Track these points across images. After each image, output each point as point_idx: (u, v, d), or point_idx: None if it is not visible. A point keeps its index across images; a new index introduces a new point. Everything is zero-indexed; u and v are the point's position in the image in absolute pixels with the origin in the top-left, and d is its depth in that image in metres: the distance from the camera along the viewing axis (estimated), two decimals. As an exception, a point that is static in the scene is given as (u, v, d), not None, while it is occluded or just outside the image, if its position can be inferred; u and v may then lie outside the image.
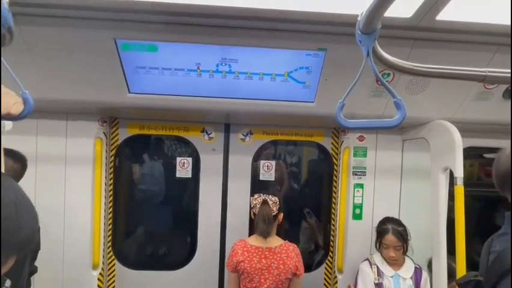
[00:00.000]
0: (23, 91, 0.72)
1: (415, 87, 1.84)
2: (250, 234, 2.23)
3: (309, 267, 2.41)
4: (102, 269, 2.26)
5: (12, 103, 0.69)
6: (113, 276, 2.38)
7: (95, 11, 1.44)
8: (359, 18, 0.74)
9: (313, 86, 1.82)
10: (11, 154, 1.63)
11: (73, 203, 2.17)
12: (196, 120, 2.33)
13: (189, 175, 2.41)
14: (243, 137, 2.43)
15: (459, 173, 1.71)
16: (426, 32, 1.51)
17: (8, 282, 0.62)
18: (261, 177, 2.45)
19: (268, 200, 1.93)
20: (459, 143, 1.74)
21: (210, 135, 2.40)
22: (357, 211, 2.35)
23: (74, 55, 1.66)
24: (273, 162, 2.47)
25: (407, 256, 2.03)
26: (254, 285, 1.89)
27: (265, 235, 1.90)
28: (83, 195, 2.19)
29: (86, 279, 2.21)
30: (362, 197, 2.35)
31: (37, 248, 1.69)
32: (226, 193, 2.40)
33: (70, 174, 2.17)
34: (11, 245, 0.57)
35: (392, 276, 1.95)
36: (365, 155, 2.35)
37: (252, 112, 1.98)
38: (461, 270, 1.68)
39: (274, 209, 1.92)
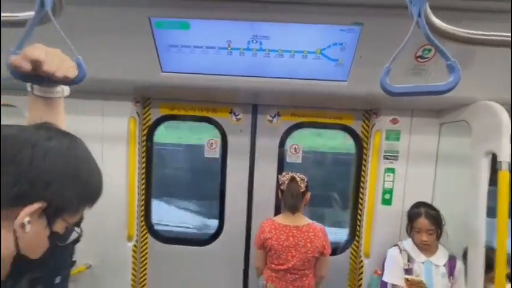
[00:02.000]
0: (77, 56, 0.75)
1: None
2: (276, 214, 2.26)
3: (333, 251, 2.40)
4: (136, 241, 2.40)
5: (67, 67, 0.72)
6: (146, 248, 2.52)
7: None
8: None
9: (347, 64, 1.74)
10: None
11: (109, 179, 2.29)
12: (225, 100, 2.35)
13: (217, 155, 2.45)
14: (271, 118, 2.41)
15: (505, 157, 1.58)
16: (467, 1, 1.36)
17: (78, 230, 0.69)
18: (288, 160, 2.44)
19: (296, 177, 1.95)
20: (507, 124, 1.60)
21: (238, 116, 2.41)
22: (387, 196, 2.28)
23: (109, 34, 1.69)
24: (300, 145, 2.44)
25: (441, 244, 1.95)
26: (281, 262, 1.93)
27: (293, 210, 1.94)
28: (119, 172, 2.31)
29: (122, 250, 2.36)
30: (393, 182, 2.27)
31: (81, 218, 1.82)
32: (252, 174, 2.42)
33: (106, 151, 2.30)
34: (83, 196, 0.64)
35: (423, 263, 1.88)
36: (397, 139, 2.25)
37: (281, 91, 1.95)
38: (501, 262, 1.58)
39: (302, 185, 1.93)
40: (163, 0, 1.53)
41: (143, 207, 2.48)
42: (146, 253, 2.52)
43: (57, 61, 0.71)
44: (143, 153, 2.44)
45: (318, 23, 1.56)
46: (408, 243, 1.98)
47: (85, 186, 0.64)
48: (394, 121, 2.24)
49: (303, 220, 1.98)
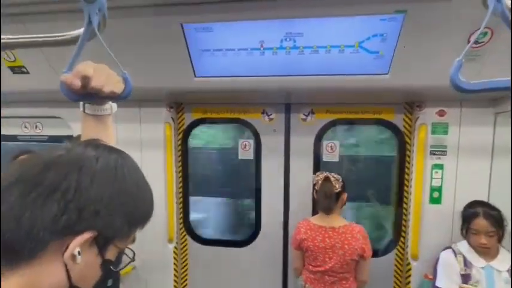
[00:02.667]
0: (123, 71, 0.75)
1: None
2: (313, 215, 2.19)
3: (376, 253, 2.29)
4: (176, 242, 2.46)
5: (114, 82, 0.72)
6: (186, 250, 2.58)
7: None
8: None
9: (388, 56, 1.62)
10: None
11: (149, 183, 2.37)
12: (258, 101, 2.31)
13: (251, 157, 2.43)
14: (304, 116, 2.34)
15: None
16: None
17: (130, 253, 0.68)
18: (324, 158, 2.36)
19: (331, 177, 1.87)
20: None
21: (270, 116, 2.37)
22: (436, 194, 2.11)
23: (143, 44, 1.73)
24: (337, 143, 2.34)
25: (502, 247, 1.77)
26: (318, 263, 1.88)
27: (327, 211, 1.87)
28: (157, 176, 2.37)
29: (163, 252, 2.44)
30: (442, 179, 2.09)
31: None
32: (288, 174, 2.37)
33: (145, 157, 2.37)
34: (134, 220, 0.60)
35: (483, 268, 1.71)
36: (445, 132, 2.07)
37: (316, 89, 1.87)
38: None
39: (337, 185, 1.85)
40: (194, 6, 1.52)
41: (181, 210, 2.53)
42: (187, 254, 2.58)
43: (105, 77, 0.71)
44: (179, 157, 2.49)
45: (357, 14, 1.47)
46: (463, 246, 1.82)
47: (136, 209, 0.60)
48: (441, 113, 2.06)
49: (339, 221, 1.90)
